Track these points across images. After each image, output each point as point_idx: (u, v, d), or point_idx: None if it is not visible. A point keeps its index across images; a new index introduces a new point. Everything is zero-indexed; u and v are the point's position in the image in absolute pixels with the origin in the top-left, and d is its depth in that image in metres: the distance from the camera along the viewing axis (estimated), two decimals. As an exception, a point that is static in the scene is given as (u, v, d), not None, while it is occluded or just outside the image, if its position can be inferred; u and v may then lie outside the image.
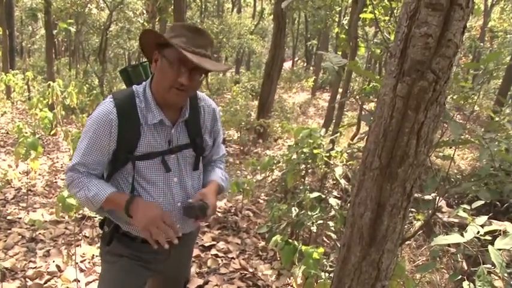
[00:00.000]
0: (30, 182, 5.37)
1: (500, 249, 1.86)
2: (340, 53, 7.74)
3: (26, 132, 5.53)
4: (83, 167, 1.61)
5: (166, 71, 1.52)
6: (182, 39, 1.50)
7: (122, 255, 1.72)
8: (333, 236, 3.57)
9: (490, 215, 2.29)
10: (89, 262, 3.52)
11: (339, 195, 3.92)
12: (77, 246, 3.66)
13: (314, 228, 3.34)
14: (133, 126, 1.59)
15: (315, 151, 3.75)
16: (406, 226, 1.65)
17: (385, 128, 1.41)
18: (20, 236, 3.89)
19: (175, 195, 1.69)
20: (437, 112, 1.38)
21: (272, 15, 11.92)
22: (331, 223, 3.46)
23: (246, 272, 3.57)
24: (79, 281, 3.21)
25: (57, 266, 3.40)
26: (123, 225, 1.71)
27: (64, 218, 4.26)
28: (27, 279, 3.21)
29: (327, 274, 2.70)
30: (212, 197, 1.69)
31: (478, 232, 1.99)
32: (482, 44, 19.88)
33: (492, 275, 1.90)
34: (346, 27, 7.20)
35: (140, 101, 1.61)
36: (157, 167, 1.64)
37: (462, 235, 1.99)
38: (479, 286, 1.73)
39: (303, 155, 3.86)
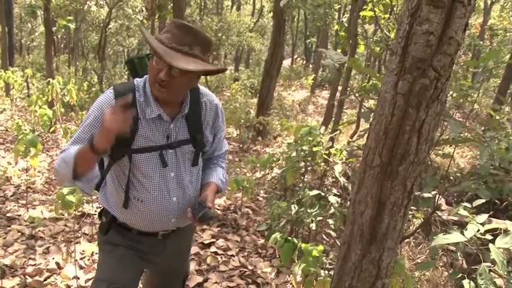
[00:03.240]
0: (29, 179, 5.36)
1: (500, 248, 1.86)
2: (339, 50, 7.73)
3: (25, 130, 5.51)
4: (75, 145, 1.59)
5: (151, 67, 1.56)
6: (168, 35, 1.53)
7: (119, 245, 1.75)
8: (333, 233, 3.57)
9: (491, 213, 2.28)
10: (89, 259, 3.52)
11: (338, 193, 3.91)
12: (77, 243, 3.66)
13: (313, 226, 3.34)
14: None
15: (315, 149, 3.75)
16: (405, 224, 1.65)
17: (386, 125, 1.41)
18: (20, 233, 3.89)
19: (171, 190, 1.70)
20: (438, 110, 1.37)
21: (271, 13, 11.89)
22: (330, 221, 3.46)
23: (245, 270, 3.57)
24: (79, 278, 3.20)
25: (57, 263, 3.40)
26: (119, 216, 1.73)
27: (63, 215, 4.26)
28: (27, 276, 3.21)
29: (326, 272, 2.70)
30: (213, 205, 1.72)
31: (478, 230, 1.99)
32: (481, 42, 19.87)
33: (492, 273, 1.90)
34: (346, 25, 7.19)
35: (140, 95, 1.63)
36: (154, 161, 1.65)
37: (462, 233, 1.99)
38: (482, 284, 1.73)
39: (302, 153, 3.86)
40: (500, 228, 2.10)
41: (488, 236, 1.98)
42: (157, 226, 1.75)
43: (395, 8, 4.97)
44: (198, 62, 1.55)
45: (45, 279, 3.20)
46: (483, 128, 2.49)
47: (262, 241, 4.14)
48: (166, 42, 1.51)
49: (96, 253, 3.57)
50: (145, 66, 1.84)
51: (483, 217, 2.12)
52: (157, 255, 1.85)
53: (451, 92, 2.41)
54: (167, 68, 1.51)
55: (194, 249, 3.72)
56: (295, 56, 31.49)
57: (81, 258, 3.51)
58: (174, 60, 1.47)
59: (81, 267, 3.38)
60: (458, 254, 2.32)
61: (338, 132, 5.10)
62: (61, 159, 1.57)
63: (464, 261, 2.80)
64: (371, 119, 1.68)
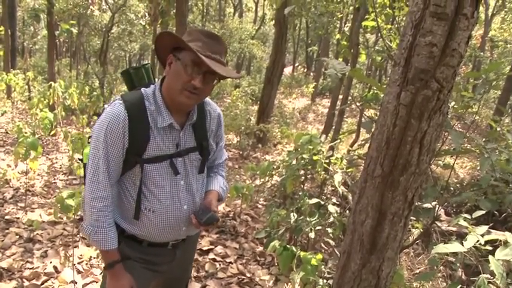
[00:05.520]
0: (29, 182, 5.36)
1: (499, 260, 1.86)
2: (341, 59, 7.76)
3: (26, 132, 5.53)
4: (108, 190, 1.61)
5: (180, 74, 1.52)
6: (198, 44, 1.51)
7: (128, 258, 1.72)
8: (331, 242, 3.57)
9: (491, 224, 2.28)
10: (87, 264, 3.51)
11: (337, 202, 3.91)
12: (75, 247, 3.65)
13: (312, 235, 3.34)
14: (142, 128, 1.58)
15: (315, 157, 3.76)
16: (405, 234, 1.65)
17: (388, 136, 1.42)
18: (18, 236, 3.88)
19: (182, 198, 1.69)
20: (440, 121, 1.38)
21: (273, 21, 11.94)
22: (329, 230, 3.46)
23: (243, 277, 3.56)
24: (76, 283, 3.19)
25: (55, 267, 3.39)
26: (128, 228, 1.70)
27: (62, 219, 4.25)
28: (24, 280, 3.20)
29: (324, 281, 2.70)
30: (217, 209, 1.73)
31: (478, 241, 1.99)
32: (482, 53, 19.94)
33: (491, 285, 1.90)
34: (348, 34, 7.23)
35: (150, 104, 1.60)
36: (165, 170, 1.64)
37: (461, 244, 1.99)
38: (480, 296, 1.73)
39: (302, 161, 3.86)
40: (500, 240, 2.10)
41: (488, 247, 1.98)
42: (169, 236, 1.73)
43: (397, 18, 5.00)
44: (228, 69, 1.60)
45: (42, 283, 3.19)
46: (484, 139, 2.50)
47: (260, 248, 4.13)
48: (201, 50, 1.49)
49: (94, 257, 3.56)
50: (141, 77, 1.82)
51: (483, 228, 2.12)
52: (167, 265, 1.84)
53: (452, 103, 2.42)
54: (202, 75, 1.52)
55: (192, 255, 3.71)
56: (297, 64, 31.59)
57: (79, 263, 3.50)
58: (217, 68, 1.49)
59: (78, 272, 3.37)
60: (458, 265, 2.32)
61: (338, 141, 5.11)
62: (95, 227, 1.61)
63: (463, 273, 2.80)
64: (372, 128, 1.69)
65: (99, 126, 1.57)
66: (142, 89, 1.65)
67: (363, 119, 5.84)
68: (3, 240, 3.76)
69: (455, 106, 2.42)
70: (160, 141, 1.61)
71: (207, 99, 1.80)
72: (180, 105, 1.60)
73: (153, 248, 1.73)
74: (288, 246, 2.92)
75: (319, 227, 3.39)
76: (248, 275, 3.61)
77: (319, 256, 2.73)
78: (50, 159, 6.93)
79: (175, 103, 1.59)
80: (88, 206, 1.60)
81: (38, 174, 5.90)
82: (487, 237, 2.02)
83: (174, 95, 1.57)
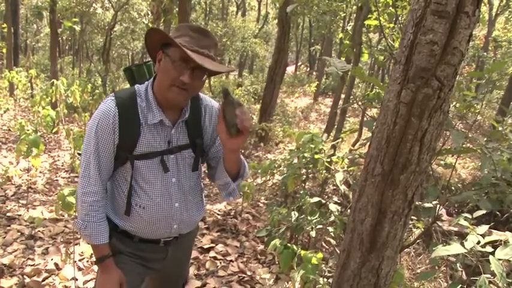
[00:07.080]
0: (30, 180, 5.37)
1: (500, 259, 1.85)
2: (343, 58, 7.75)
3: (28, 130, 5.54)
4: (99, 185, 1.62)
5: (169, 70, 1.51)
6: (185, 39, 1.50)
7: (121, 253, 1.73)
8: (332, 241, 3.56)
9: (491, 224, 2.27)
10: (87, 261, 3.52)
11: (339, 201, 3.91)
12: (76, 244, 3.66)
13: (313, 233, 3.33)
14: (133, 125, 1.58)
15: (316, 156, 3.75)
16: (405, 234, 1.64)
17: (388, 134, 1.41)
18: (19, 233, 3.89)
19: (173, 195, 1.69)
20: (441, 120, 1.37)
21: (276, 20, 11.93)
22: (330, 229, 3.46)
23: (244, 275, 3.56)
24: (77, 280, 3.20)
25: (56, 264, 3.40)
26: (120, 223, 1.71)
27: (63, 216, 4.26)
28: (25, 277, 3.21)
29: (325, 279, 2.70)
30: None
31: (479, 242, 1.98)
32: (485, 53, 19.89)
33: (492, 285, 1.90)
34: (350, 33, 7.21)
35: (141, 100, 1.61)
36: (156, 166, 1.64)
37: (462, 244, 1.98)
38: (480, 296, 1.72)
39: (304, 160, 3.86)
40: (501, 240, 2.09)
41: (489, 248, 1.97)
42: (160, 233, 1.73)
43: (400, 18, 4.98)
44: (217, 64, 1.58)
45: (43, 280, 3.20)
46: (486, 139, 2.49)
47: (261, 247, 4.13)
48: (188, 45, 1.48)
49: (95, 255, 3.57)
50: (143, 74, 1.83)
51: (483, 228, 2.12)
52: (159, 263, 1.84)
53: (454, 103, 2.41)
54: (190, 70, 1.50)
55: (193, 253, 3.71)
56: (299, 63, 31.56)
57: (80, 260, 3.50)
58: (205, 63, 1.47)
59: (79, 269, 3.38)
60: (458, 265, 2.32)
61: (340, 140, 5.10)
62: (86, 222, 1.64)
63: (463, 273, 2.79)
64: (373, 127, 1.68)
65: (91, 122, 1.59)
66: (136, 86, 1.65)
67: (365, 118, 5.84)
68: (4, 237, 3.77)
69: (457, 105, 2.42)
70: (151, 137, 1.61)
71: (203, 95, 1.78)
72: (170, 102, 1.58)
73: (145, 244, 1.74)
74: (288, 244, 2.92)
75: (320, 226, 3.39)
76: (249, 273, 3.61)
77: (320, 255, 2.73)
78: (51, 156, 6.95)
79: (165, 99, 1.58)
80: (79, 200, 1.62)
81: (40, 172, 5.91)
82: (488, 238, 2.01)
83: (163, 91, 1.55)
